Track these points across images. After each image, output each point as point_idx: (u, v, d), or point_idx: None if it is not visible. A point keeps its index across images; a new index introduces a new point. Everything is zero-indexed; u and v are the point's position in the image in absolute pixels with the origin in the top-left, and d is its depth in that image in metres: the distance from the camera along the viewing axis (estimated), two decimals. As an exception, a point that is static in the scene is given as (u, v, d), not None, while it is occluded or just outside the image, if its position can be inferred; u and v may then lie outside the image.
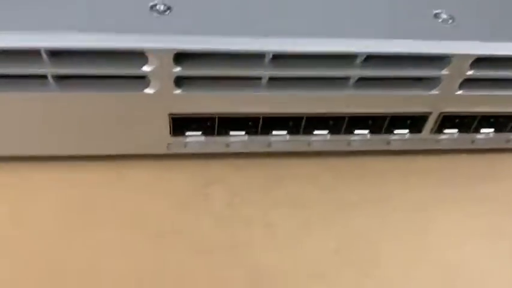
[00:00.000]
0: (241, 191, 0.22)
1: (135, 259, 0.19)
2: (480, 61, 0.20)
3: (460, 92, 0.21)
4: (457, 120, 0.23)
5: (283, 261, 0.20)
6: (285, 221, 0.21)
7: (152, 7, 0.19)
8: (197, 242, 0.20)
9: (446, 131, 0.23)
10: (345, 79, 0.20)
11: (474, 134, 0.23)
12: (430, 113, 0.22)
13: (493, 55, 0.20)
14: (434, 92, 0.21)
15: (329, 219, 0.21)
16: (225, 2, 0.20)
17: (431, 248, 0.20)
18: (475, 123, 0.23)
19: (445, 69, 0.20)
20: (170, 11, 0.19)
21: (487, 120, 0.23)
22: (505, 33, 0.20)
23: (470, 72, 0.20)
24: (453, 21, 0.21)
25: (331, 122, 0.22)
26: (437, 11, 0.21)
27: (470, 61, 0.20)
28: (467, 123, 0.23)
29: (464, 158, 0.24)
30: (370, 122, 0.23)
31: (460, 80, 0.20)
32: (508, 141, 0.24)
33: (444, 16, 0.21)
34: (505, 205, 0.22)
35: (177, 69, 0.19)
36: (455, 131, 0.23)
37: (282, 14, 0.20)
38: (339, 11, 0.20)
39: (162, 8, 0.19)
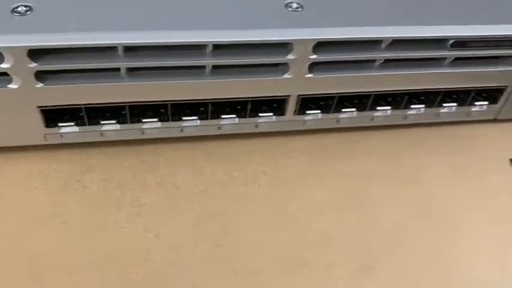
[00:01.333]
0: (115, 177, 0.23)
1: (12, 241, 0.21)
2: (323, 45, 0.22)
3: (310, 75, 0.23)
4: (317, 102, 0.25)
5: (146, 237, 0.21)
6: (154, 201, 0.23)
7: (13, 9, 0.20)
8: (71, 223, 0.21)
9: (309, 112, 0.25)
10: (201, 67, 0.22)
11: (337, 114, 0.25)
12: (288, 96, 0.24)
13: (331, 39, 0.21)
14: (287, 76, 0.23)
15: (195, 198, 0.23)
16: (82, 2, 0.21)
17: (289, 220, 0.22)
18: (335, 103, 0.25)
19: (290, 54, 0.22)
20: (31, 12, 0.20)
21: (346, 100, 0.25)
22: (345, 20, 0.22)
23: (314, 56, 0.22)
24: (302, 9, 0.23)
25: (200, 108, 0.24)
26: (288, 1, 0.23)
27: (311, 46, 0.21)
28: (327, 103, 0.25)
29: (330, 137, 0.26)
30: (237, 107, 0.24)
31: (308, 64, 0.22)
32: (372, 119, 0.26)
33: (294, 5, 0.23)
34: (356, 178, 0.24)
35: (34, 65, 0.20)
36: (317, 111, 0.25)
37: (136, 11, 0.21)
38: (198, 5, 0.22)
39: (23, 9, 0.20)
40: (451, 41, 0.23)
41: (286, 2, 0.23)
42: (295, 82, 0.23)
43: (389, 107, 0.26)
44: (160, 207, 0.22)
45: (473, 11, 0.24)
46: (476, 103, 0.27)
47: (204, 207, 0.23)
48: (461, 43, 0.23)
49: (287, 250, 0.21)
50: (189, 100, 0.23)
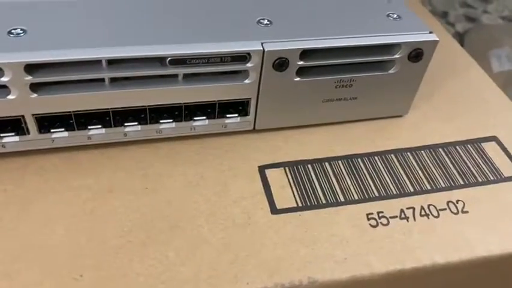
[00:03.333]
0: None
1: None
2: (40, 67, 0.23)
3: (35, 95, 0.24)
4: (65, 119, 0.26)
5: None
6: None
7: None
8: None
9: (54, 130, 0.26)
10: None
11: (84, 131, 0.26)
12: (22, 116, 0.25)
13: (41, 61, 0.23)
14: (11, 97, 0.24)
15: None
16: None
17: (8, 234, 0.23)
18: (74, 121, 0.26)
19: (4, 77, 0.23)
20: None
21: (93, 117, 0.26)
22: (64, 43, 0.24)
23: (29, 78, 0.23)
24: (25, 34, 0.24)
25: None
26: (12, 28, 0.24)
27: (22, 68, 0.23)
28: (70, 121, 0.26)
29: (84, 153, 0.27)
30: None
31: (27, 85, 0.23)
32: (125, 134, 0.27)
33: (18, 31, 0.24)
34: (98, 192, 0.26)
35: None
36: (62, 129, 0.26)
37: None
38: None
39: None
40: (168, 59, 0.25)
41: (9, 29, 0.24)
42: (22, 103, 0.24)
43: (136, 123, 0.27)
44: None
45: (187, 31, 0.26)
46: (228, 115, 0.29)
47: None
48: (179, 61, 0.25)
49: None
50: None
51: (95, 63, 0.24)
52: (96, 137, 0.27)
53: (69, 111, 0.25)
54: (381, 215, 0.26)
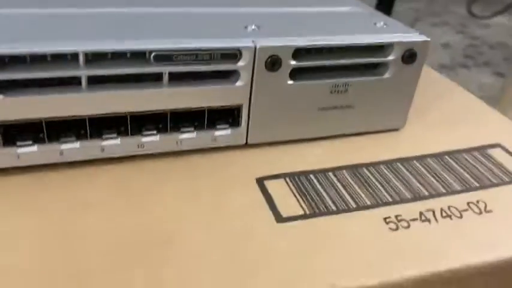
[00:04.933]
0: None
1: None
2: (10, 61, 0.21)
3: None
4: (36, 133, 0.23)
5: None
6: None
7: None
8: None
9: (21, 143, 0.22)
10: None
11: (57, 145, 0.23)
12: None
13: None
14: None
15: None
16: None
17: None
18: (45, 131, 0.23)
19: None
20: None
21: (64, 129, 0.23)
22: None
23: None
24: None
25: None
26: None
27: None
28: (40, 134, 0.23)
29: (56, 171, 0.24)
30: None
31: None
32: (102, 149, 0.24)
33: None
34: (75, 209, 0.22)
35: None
36: (30, 142, 0.23)
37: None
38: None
39: None
40: (153, 54, 0.23)
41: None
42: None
43: (116, 135, 0.24)
44: None
45: (174, 30, 0.24)
46: (218, 127, 0.26)
47: None
48: (164, 57, 0.23)
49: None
50: None
51: (70, 60, 0.22)
52: (69, 153, 0.24)
53: (40, 118, 0.22)
54: (399, 218, 0.23)
